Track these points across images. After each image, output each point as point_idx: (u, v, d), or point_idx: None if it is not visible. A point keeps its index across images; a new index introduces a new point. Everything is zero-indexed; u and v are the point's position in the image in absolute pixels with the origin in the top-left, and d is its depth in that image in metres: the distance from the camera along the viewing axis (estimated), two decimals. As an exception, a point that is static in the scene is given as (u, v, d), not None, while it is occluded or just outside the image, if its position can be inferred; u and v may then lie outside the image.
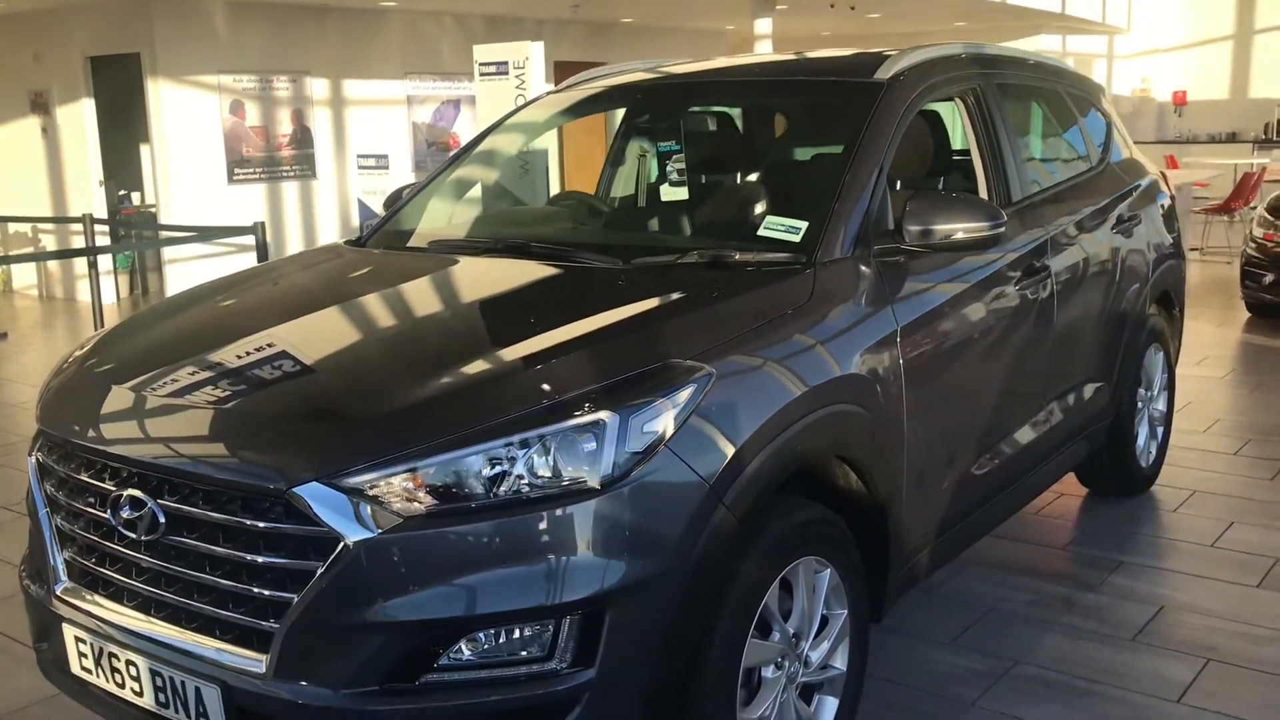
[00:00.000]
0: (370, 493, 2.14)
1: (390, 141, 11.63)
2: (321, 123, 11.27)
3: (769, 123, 4.09)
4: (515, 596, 2.13)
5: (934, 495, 3.15)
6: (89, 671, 2.50)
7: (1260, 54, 18.36)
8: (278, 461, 2.22)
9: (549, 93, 4.04)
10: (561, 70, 14.34)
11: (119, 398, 2.58)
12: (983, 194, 3.62)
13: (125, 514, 2.35)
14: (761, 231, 2.99)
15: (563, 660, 2.15)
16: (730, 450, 2.34)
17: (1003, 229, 3.01)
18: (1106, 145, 4.68)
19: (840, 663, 2.76)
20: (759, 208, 3.26)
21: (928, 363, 3.02)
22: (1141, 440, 4.70)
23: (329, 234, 11.40)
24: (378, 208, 11.42)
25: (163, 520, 2.31)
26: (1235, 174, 13.96)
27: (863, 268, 2.92)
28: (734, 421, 2.38)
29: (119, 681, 2.43)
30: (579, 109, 4.14)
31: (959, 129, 4.16)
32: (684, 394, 2.30)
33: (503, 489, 2.15)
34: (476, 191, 4.16)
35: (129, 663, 2.39)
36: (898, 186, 3.56)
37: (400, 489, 2.14)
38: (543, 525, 2.14)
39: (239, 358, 2.64)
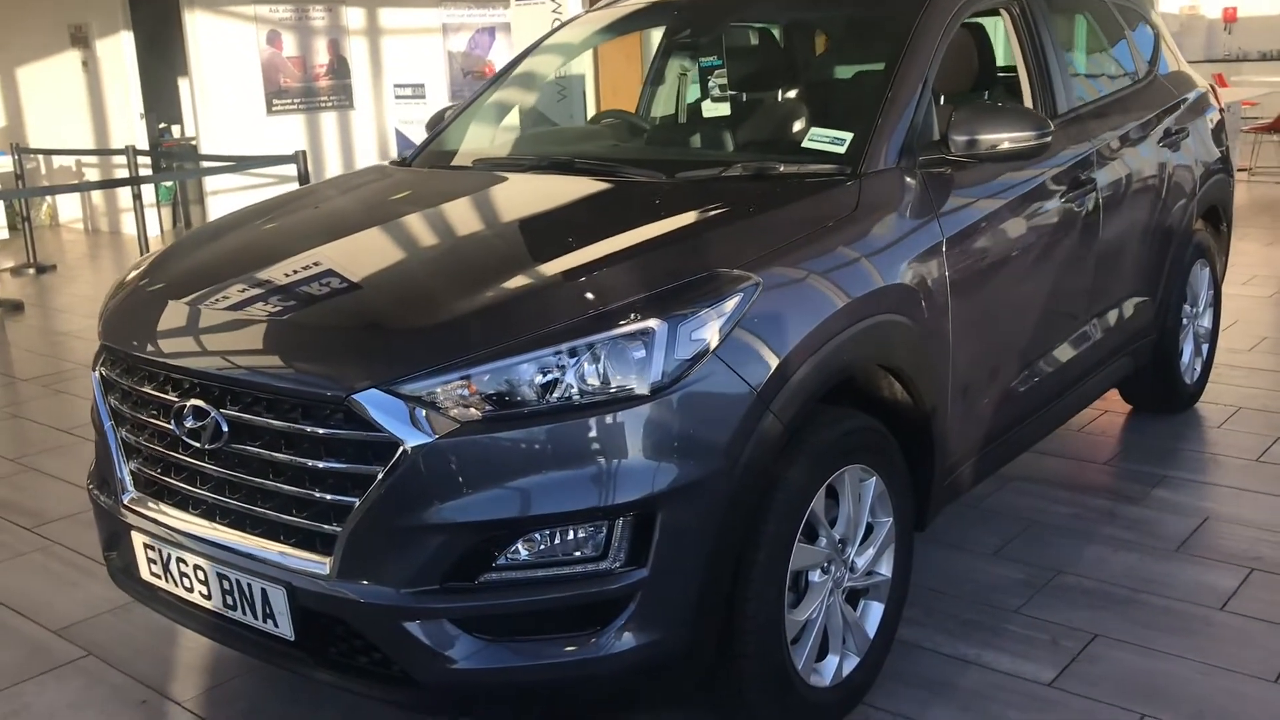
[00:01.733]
0: (427, 399, 2.19)
1: (426, 70, 11.59)
2: (358, 52, 11.26)
3: (811, 37, 4.06)
4: (569, 499, 2.18)
5: (978, 408, 3.17)
6: (158, 577, 2.60)
7: (1315, -33, 17.81)
8: (338, 370, 2.28)
9: (586, 11, 4.02)
10: (597, -4, 14.08)
11: (179, 313, 2.65)
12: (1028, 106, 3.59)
13: (189, 424, 2.42)
14: (806, 143, 2.99)
15: (616, 560, 2.21)
16: (777, 359, 2.37)
17: (1049, 139, 3.00)
18: (1154, 58, 4.60)
19: (885, 569, 2.81)
20: (803, 121, 3.26)
21: (973, 275, 3.03)
22: (1186, 357, 4.68)
23: (368, 162, 11.45)
24: (416, 137, 11.46)
25: (226, 429, 2.38)
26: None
27: (908, 179, 2.92)
28: (780, 330, 2.41)
29: (187, 585, 2.52)
30: (617, 27, 4.14)
31: (1002, 44, 4.13)
32: (731, 303, 2.33)
33: (555, 395, 2.20)
34: (515, 114, 4.18)
35: (196, 567, 2.48)
36: (941, 101, 3.54)
37: (456, 395, 2.20)
38: (594, 430, 2.19)
39: (294, 273, 2.69)
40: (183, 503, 2.55)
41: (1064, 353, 3.65)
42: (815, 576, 2.60)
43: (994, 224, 3.15)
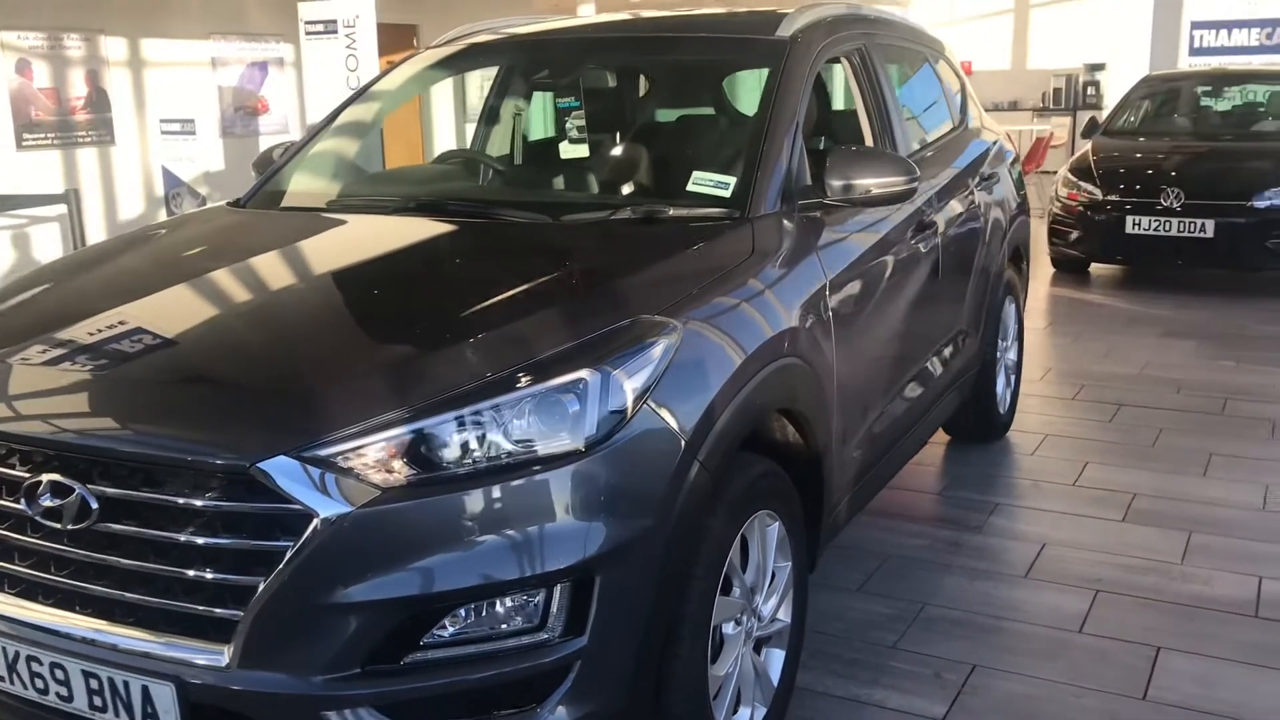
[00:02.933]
0: (343, 465, 2.00)
1: (195, 105, 10.98)
2: (119, 85, 10.52)
3: (672, 80, 4.05)
4: (503, 567, 2.04)
5: (851, 446, 3.20)
6: (1, 679, 2.26)
7: (1037, 28, 19.44)
8: (237, 436, 2.06)
9: (429, 48, 3.87)
10: (380, 32, 13.87)
11: (26, 374, 2.33)
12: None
13: (46, 503, 2.13)
14: (691, 187, 2.96)
15: (554, 630, 2.08)
16: (703, 406, 2.31)
17: (917, 184, 3.07)
18: (964, 106, 4.85)
19: (785, 615, 2.78)
20: (677, 165, 3.22)
21: (849, 315, 3.07)
22: (1000, 388, 4.92)
23: (131, 203, 10.69)
24: (185, 175, 10.78)
25: (95, 506, 2.10)
26: (1019, 140, 14.77)
27: (791, 222, 2.93)
28: (703, 376, 2.35)
29: (40, 687, 2.21)
30: (458, 65, 4.00)
31: (837, 88, 4.25)
32: (658, 349, 2.25)
33: (483, 455, 2.06)
34: (332, 155, 3.93)
35: (54, 666, 2.18)
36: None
37: (375, 459, 2.02)
38: (528, 491, 2.06)
39: (167, 325, 2.44)
40: (29, 591, 2.23)
41: (914, 389, 3.75)
42: (729, 629, 2.54)
43: (862, 265, 3.20)
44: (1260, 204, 7.96)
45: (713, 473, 2.33)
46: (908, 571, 3.75)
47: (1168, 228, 8.16)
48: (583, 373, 2.13)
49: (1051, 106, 18.85)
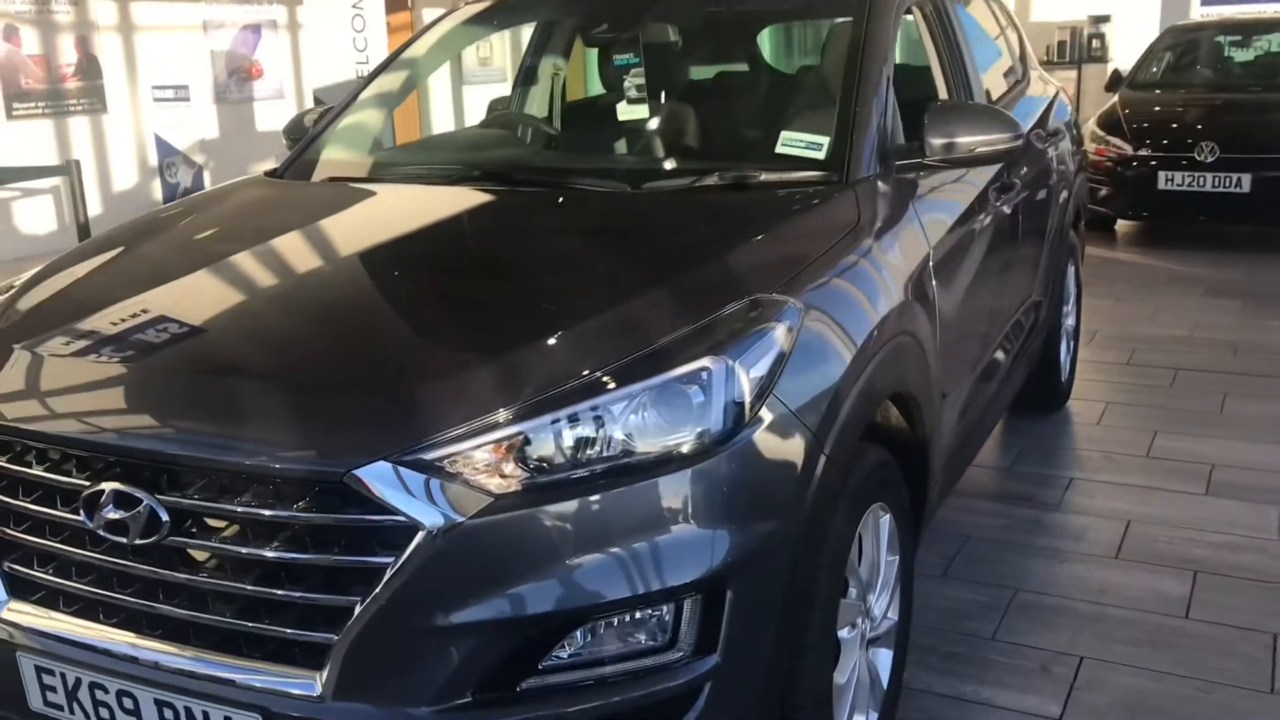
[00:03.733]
0: (452, 469, 1.77)
1: (188, 71, 10.63)
2: (110, 51, 10.17)
3: (740, 33, 3.77)
4: (630, 579, 1.81)
5: (948, 425, 2.98)
6: (59, 707, 2.03)
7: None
8: (329, 438, 1.82)
9: (466, 2, 3.60)
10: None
11: (81, 370, 2.09)
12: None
13: (110, 514, 1.89)
14: (780, 149, 2.71)
15: (685, 648, 1.86)
16: (828, 393, 2.09)
17: (1022, 141, 2.84)
18: (1023, 56, 4.60)
19: (894, 613, 2.57)
20: (764, 123, 2.97)
21: (949, 285, 2.84)
22: (1063, 355, 4.71)
23: (125, 173, 10.35)
24: (179, 142, 10.45)
25: (165, 519, 1.87)
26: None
27: (889, 185, 2.70)
28: (826, 360, 2.12)
29: (105, 717, 1.99)
30: (499, 20, 3.74)
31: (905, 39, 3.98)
32: (780, 332, 2.02)
33: (604, 454, 1.83)
34: (371, 122, 3.66)
35: (122, 694, 1.95)
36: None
37: (487, 462, 1.79)
38: (654, 494, 1.83)
39: (238, 313, 2.19)
40: (88, 610, 2.01)
41: (998, 360, 3.54)
42: (845, 633, 2.32)
43: (958, 231, 2.97)
44: (1293, 157, 7.73)
45: (839, 467, 2.10)
46: (991, 554, 3.54)
47: (1202, 183, 7.94)
48: (705, 361, 1.90)
49: (1056, 60, 18.57)
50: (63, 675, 2.00)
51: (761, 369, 1.95)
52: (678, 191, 2.61)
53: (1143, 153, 8.20)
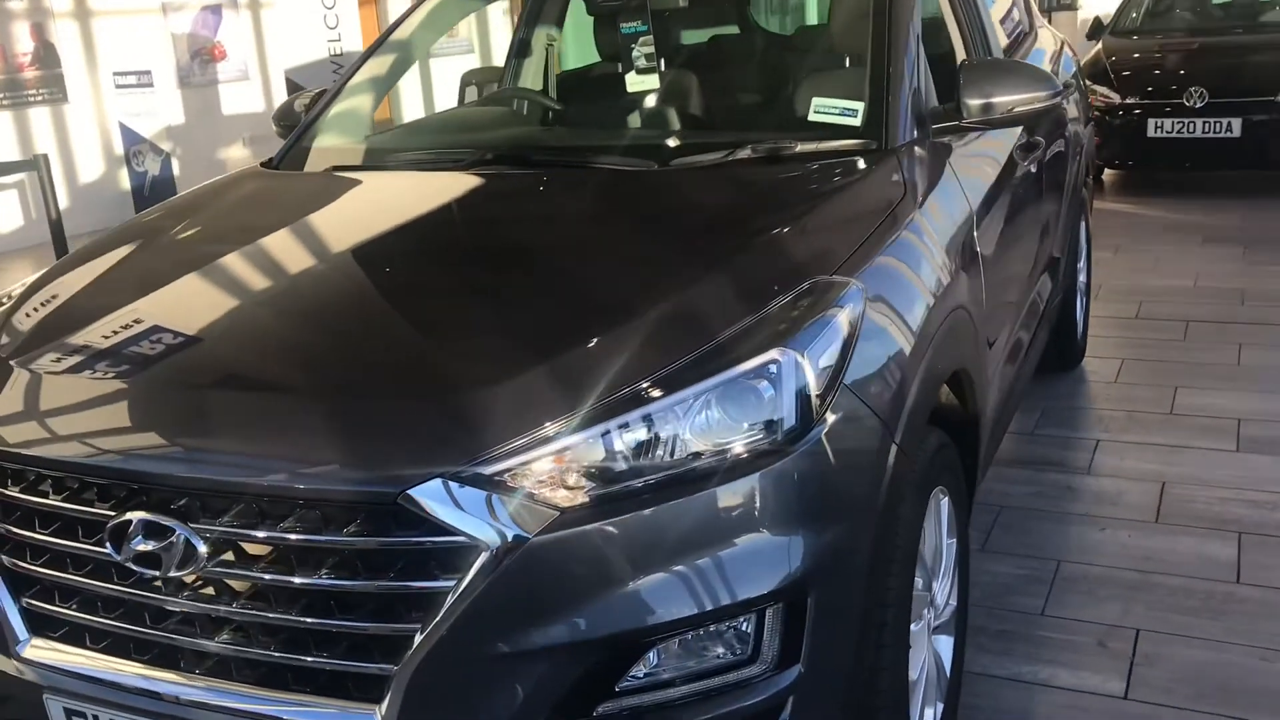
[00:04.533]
0: (513, 484, 1.64)
1: (150, 56, 10.34)
2: (67, 38, 9.87)
3: None
4: (709, 591, 1.69)
5: (993, 398, 2.87)
6: (92, 752, 1.90)
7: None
8: (380, 456, 1.68)
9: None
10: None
11: (96, 389, 1.94)
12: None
13: (140, 546, 1.75)
14: (813, 116, 2.57)
15: (767, 661, 1.74)
16: (895, 378, 1.97)
17: (1060, 98, 2.71)
18: (1027, 6, 4.47)
19: (954, 598, 2.47)
20: (788, 88, 2.83)
21: (991, 251, 2.72)
22: (1079, 312, 4.62)
23: (91, 164, 10.07)
24: (145, 130, 10.18)
25: (203, 549, 1.73)
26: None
27: (927, 150, 2.57)
28: (890, 344, 2.00)
29: (143, 758, 1.86)
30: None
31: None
32: (844, 316, 1.89)
33: (674, 459, 1.70)
34: (366, 105, 3.48)
35: (163, 734, 1.82)
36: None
37: (550, 474, 1.66)
38: (728, 499, 1.70)
39: (266, 320, 2.04)
40: (117, 645, 1.87)
41: (1029, 324, 3.43)
42: (914, 626, 2.21)
43: (995, 193, 2.86)
44: (1284, 99, 7.65)
45: (909, 455, 1.99)
46: (1028, 524, 3.45)
47: (1192, 129, 7.85)
48: (773, 353, 1.77)
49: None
50: (95, 718, 1.87)
51: (829, 358, 1.83)
52: (710, 167, 2.46)
53: (1130, 101, 8.10)
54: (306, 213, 2.59)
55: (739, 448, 1.72)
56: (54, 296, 2.32)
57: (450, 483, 1.62)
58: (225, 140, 10.95)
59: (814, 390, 1.78)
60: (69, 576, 1.87)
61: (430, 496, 1.62)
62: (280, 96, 11.47)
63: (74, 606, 1.89)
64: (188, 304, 2.15)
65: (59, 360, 2.04)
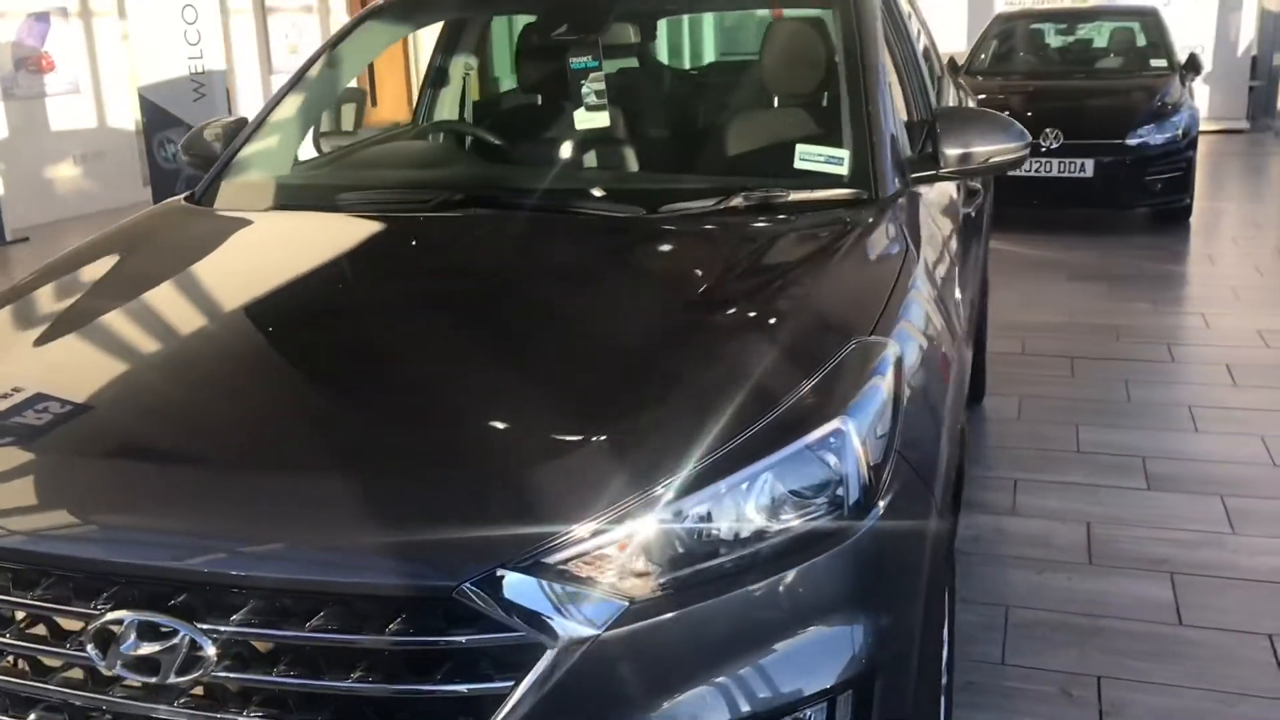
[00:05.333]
0: (579, 573, 1.49)
1: (-30, 65, 9.61)
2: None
3: (710, 29, 3.52)
4: (782, 682, 1.58)
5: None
6: None
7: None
8: (433, 545, 1.50)
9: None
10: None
11: (77, 469, 1.69)
12: (902, 108, 3.30)
13: (133, 650, 1.52)
14: (799, 164, 2.49)
15: (835, 754, 1.63)
16: (934, 438, 1.91)
17: (1029, 150, 2.72)
18: (935, 53, 4.53)
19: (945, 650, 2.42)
20: (763, 131, 2.74)
21: (962, 300, 2.70)
22: (985, 350, 4.70)
23: (-95, 181, 9.28)
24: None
25: (211, 652, 1.51)
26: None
27: (909, 200, 2.53)
28: (927, 402, 1.94)
29: None
30: (425, 16, 3.38)
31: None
32: (888, 379, 1.81)
33: (744, 540, 1.58)
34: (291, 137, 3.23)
35: None
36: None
37: (618, 561, 1.51)
38: (801, 581, 1.59)
39: (276, 389, 1.83)
40: None
41: (967, 361, 3.44)
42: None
43: (958, 241, 2.84)
44: (1133, 141, 8.04)
45: (943, 516, 1.92)
46: (970, 568, 3.44)
47: (1048, 168, 8.17)
48: (835, 422, 1.67)
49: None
50: None
51: (884, 425, 1.74)
52: (703, 215, 2.35)
53: (989, 140, 8.37)
54: (276, 261, 2.35)
55: (806, 525, 1.61)
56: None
57: (513, 573, 1.46)
58: (54, 157, 10.26)
59: (873, 459, 1.69)
60: (32, 684, 1.62)
61: (491, 589, 1.45)
62: (121, 113, 10.84)
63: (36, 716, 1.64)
64: (169, 362, 1.91)
65: (18, 430, 1.78)
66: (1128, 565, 3.44)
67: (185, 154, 3.09)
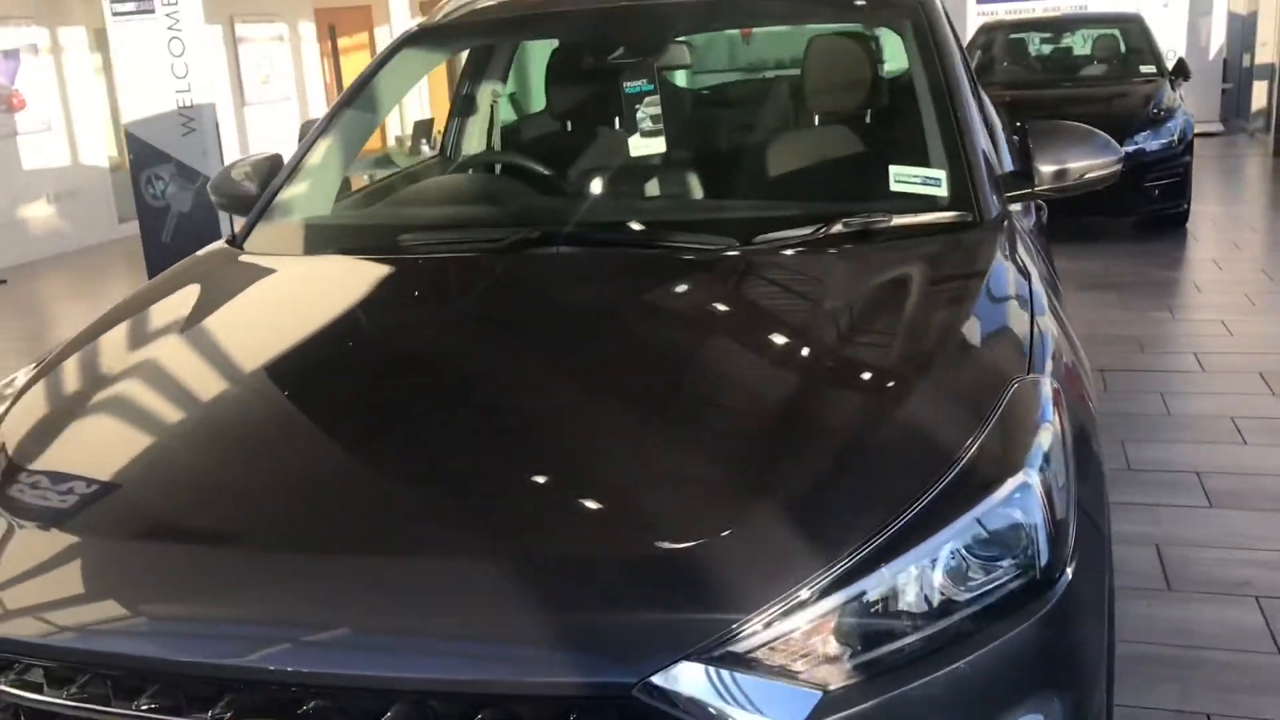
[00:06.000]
0: (770, 662, 1.32)
1: (-61, 104, 9.34)
2: None
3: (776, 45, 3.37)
4: (986, 771, 1.42)
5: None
6: None
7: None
8: (608, 637, 1.33)
9: (426, 23, 3.06)
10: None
11: (175, 551, 1.51)
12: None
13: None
14: (895, 186, 2.34)
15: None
16: (1096, 480, 1.76)
17: (1122, 164, 2.59)
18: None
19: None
20: (844, 151, 2.59)
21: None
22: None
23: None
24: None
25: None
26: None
27: (1011, 221, 2.39)
28: (1087, 445, 1.79)
29: None
30: (464, 41, 3.21)
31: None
32: (1055, 424, 1.66)
33: (938, 613, 1.42)
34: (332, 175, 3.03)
35: None
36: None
37: (809, 647, 1.35)
38: (1004, 655, 1.43)
39: (397, 461, 1.65)
40: None
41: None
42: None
43: (1043, 261, 2.70)
44: (1130, 148, 7.98)
45: (1110, 564, 1.77)
46: (1044, 599, 3.30)
47: (1046, 178, 8.09)
48: (1019, 475, 1.51)
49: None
50: None
51: (1062, 474, 1.59)
52: (803, 245, 2.18)
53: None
54: (358, 315, 2.17)
55: (1000, 593, 1.45)
56: (43, 428, 1.83)
57: (701, 666, 1.29)
58: (28, 197, 9.99)
59: (1058, 514, 1.54)
60: None
61: (677, 685, 1.28)
62: (94, 150, 10.58)
63: None
64: (260, 435, 1.73)
65: (78, 518, 1.59)
66: (1209, 589, 3.31)
67: (213, 195, 2.91)
